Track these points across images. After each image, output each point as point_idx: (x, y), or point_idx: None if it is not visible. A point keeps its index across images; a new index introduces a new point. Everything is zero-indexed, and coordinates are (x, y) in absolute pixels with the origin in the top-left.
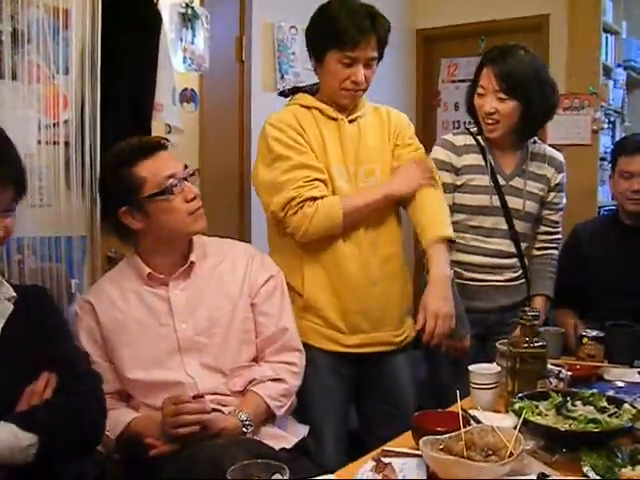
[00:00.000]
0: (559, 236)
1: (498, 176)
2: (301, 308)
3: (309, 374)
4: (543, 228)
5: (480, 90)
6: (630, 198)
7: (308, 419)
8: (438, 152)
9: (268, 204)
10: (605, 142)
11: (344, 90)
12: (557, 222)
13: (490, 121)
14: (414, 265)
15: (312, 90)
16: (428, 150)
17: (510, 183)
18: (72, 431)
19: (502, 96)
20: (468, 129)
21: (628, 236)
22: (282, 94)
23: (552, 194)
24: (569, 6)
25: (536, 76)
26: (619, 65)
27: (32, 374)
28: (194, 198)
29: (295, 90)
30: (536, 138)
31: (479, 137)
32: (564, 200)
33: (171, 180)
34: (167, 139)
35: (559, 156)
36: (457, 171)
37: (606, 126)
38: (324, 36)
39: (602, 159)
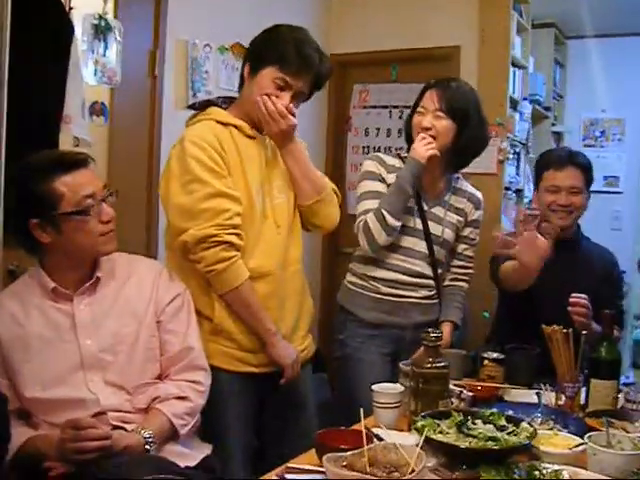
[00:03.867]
0: (472, 271)
1: (422, 201)
2: (209, 331)
3: (217, 396)
4: (457, 262)
5: (421, 109)
6: (555, 210)
7: (215, 437)
8: (368, 164)
9: (179, 229)
10: (510, 172)
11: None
12: (472, 257)
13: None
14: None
15: (222, 105)
16: (336, 178)
17: (431, 210)
18: None
19: (440, 114)
20: (399, 154)
21: (554, 250)
22: (192, 107)
23: (468, 229)
24: (479, 39)
25: (475, 105)
26: (525, 98)
27: None
28: (109, 221)
29: (206, 104)
30: (460, 175)
31: None
32: (478, 237)
33: (89, 200)
34: (91, 157)
35: (479, 194)
36: (387, 186)
37: (511, 156)
38: (270, 50)
39: (507, 188)
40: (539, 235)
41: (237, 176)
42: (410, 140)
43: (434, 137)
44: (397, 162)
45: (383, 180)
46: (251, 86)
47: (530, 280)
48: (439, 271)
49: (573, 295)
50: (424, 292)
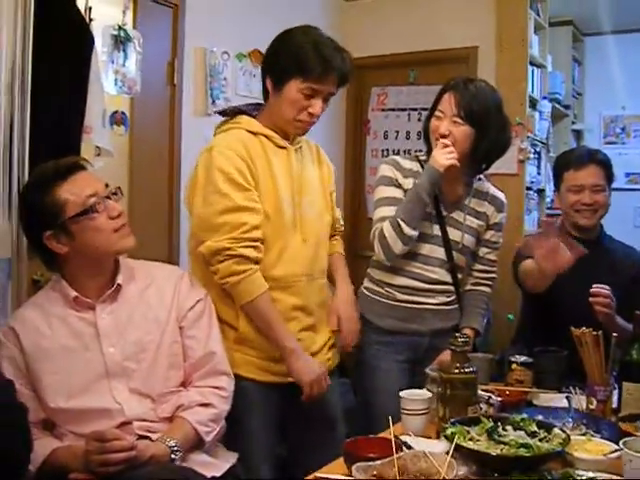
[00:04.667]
0: (494, 275)
1: (441, 206)
2: (234, 340)
3: (242, 405)
4: (480, 266)
5: (438, 113)
6: (580, 210)
7: (240, 447)
8: (384, 169)
9: (199, 239)
10: (531, 172)
11: (298, 122)
12: (494, 261)
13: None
14: None
15: (253, 112)
16: (355, 181)
17: (450, 215)
18: None
19: (458, 120)
20: (417, 156)
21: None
22: (222, 113)
23: (490, 232)
24: (497, 39)
25: (496, 107)
26: (544, 97)
27: None
28: (119, 215)
29: (237, 111)
30: (482, 176)
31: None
32: (501, 240)
33: (93, 199)
34: (85, 159)
35: (501, 196)
36: (404, 192)
37: (532, 156)
38: (288, 60)
39: (528, 188)
40: (563, 246)
41: (266, 186)
42: (428, 142)
43: (452, 144)
44: (415, 165)
45: (399, 185)
46: (279, 101)
47: (544, 285)
48: (459, 276)
49: (595, 286)
50: (441, 298)
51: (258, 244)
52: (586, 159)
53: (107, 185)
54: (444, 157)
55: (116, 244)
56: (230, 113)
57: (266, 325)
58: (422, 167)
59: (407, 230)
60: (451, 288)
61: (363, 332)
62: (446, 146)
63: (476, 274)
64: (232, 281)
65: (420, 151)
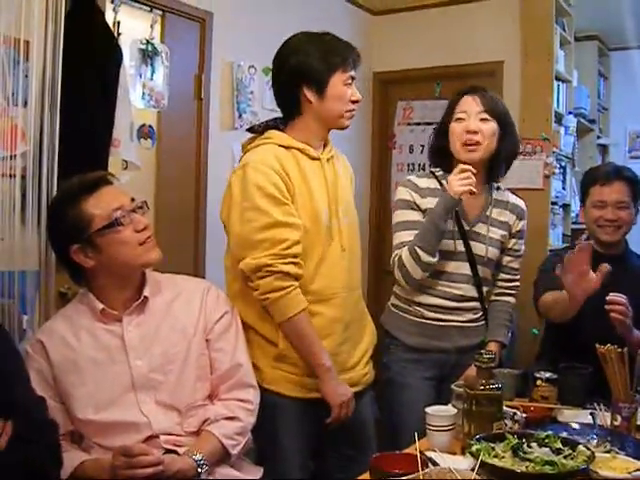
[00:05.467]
0: (517, 283)
1: (462, 221)
2: (274, 358)
3: (278, 422)
4: (503, 275)
5: (460, 115)
6: (602, 226)
7: (273, 462)
8: (402, 192)
9: (237, 257)
10: (556, 186)
11: (348, 112)
12: (517, 269)
13: (472, 142)
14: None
15: (280, 125)
16: (381, 195)
17: (473, 229)
18: None
19: (486, 116)
20: (433, 172)
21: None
22: (252, 130)
23: (513, 241)
24: (523, 54)
25: (508, 111)
26: (570, 112)
27: None
28: (144, 229)
29: (266, 127)
30: (500, 184)
31: (444, 181)
32: (523, 247)
33: (119, 212)
34: (111, 174)
35: (521, 203)
36: (422, 213)
37: (557, 171)
38: (328, 59)
39: (553, 203)
40: (591, 272)
41: (303, 199)
42: (442, 155)
43: (479, 143)
44: (432, 182)
45: (417, 207)
46: (324, 104)
47: (573, 311)
48: (484, 289)
49: (611, 294)
50: (469, 315)
51: (298, 260)
52: (612, 175)
53: (133, 199)
54: (458, 184)
55: (142, 257)
56: (259, 130)
57: (303, 342)
58: (439, 183)
59: (425, 258)
60: (477, 305)
61: (389, 349)
62: (463, 171)
63: (500, 283)
64: (273, 297)
65: (436, 167)
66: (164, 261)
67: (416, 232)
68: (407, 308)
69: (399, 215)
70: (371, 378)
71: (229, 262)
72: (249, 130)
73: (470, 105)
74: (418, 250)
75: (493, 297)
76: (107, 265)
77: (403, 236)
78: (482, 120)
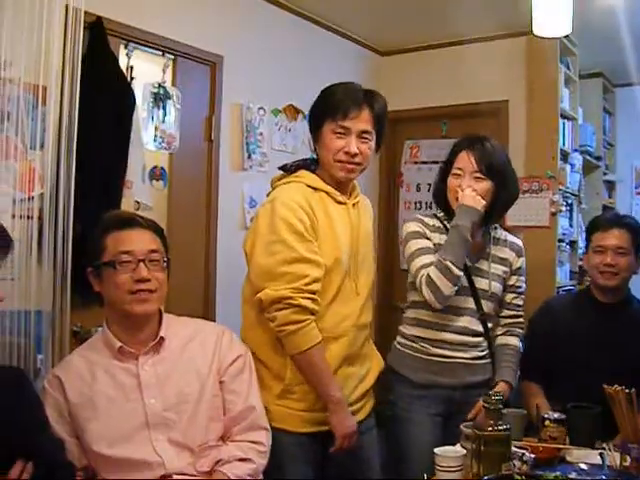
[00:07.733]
0: (522, 320)
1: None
2: (278, 395)
3: (284, 459)
4: (507, 312)
5: (457, 171)
6: (602, 271)
7: None
8: (412, 226)
9: (257, 287)
10: (563, 224)
11: (338, 162)
12: (521, 306)
13: None
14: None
15: (311, 165)
16: (389, 233)
17: (476, 265)
18: None
19: (479, 176)
20: (435, 214)
21: (602, 313)
22: (284, 168)
23: (514, 277)
24: (527, 93)
25: (508, 162)
26: (576, 150)
27: (7, 461)
28: (142, 281)
29: (298, 166)
30: (497, 225)
31: (446, 222)
32: (524, 285)
33: (125, 256)
34: (147, 219)
35: (518, 242)
36: (432, 244)
37: (564, 208)
38: (321, 110)
39: (560, 240)
40: None
41: (328, 238)
42: (439, 199)
43: None
44: (437, 222)
45: (428, 238)
46: (321, 150)
47: None
48: (489, 325)
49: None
50: (474, 353)
51: (316, 297)
52: (613, 222)
53: (154, 251)
54: (476, 199)
55: (126, 305)
56: (291, 169)
57: (316, 375)
58: (442, 224)
59: (456, 271)
60: (483, 341)
61: (394, 386)
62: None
63: (505, 320)
64: (289, 330)
65: (438, 207)
66: (174, 300)
67: (434, 256)
68: (413, 345)
69: (415, 244)
70: (365, 415)
71: (248, 292)
72: (281, 168)
73: (466, 163)
74: (449, 264)
75: (499, 334)
76: (106, 296)
77: (424, 259)
78: (476, 180)
